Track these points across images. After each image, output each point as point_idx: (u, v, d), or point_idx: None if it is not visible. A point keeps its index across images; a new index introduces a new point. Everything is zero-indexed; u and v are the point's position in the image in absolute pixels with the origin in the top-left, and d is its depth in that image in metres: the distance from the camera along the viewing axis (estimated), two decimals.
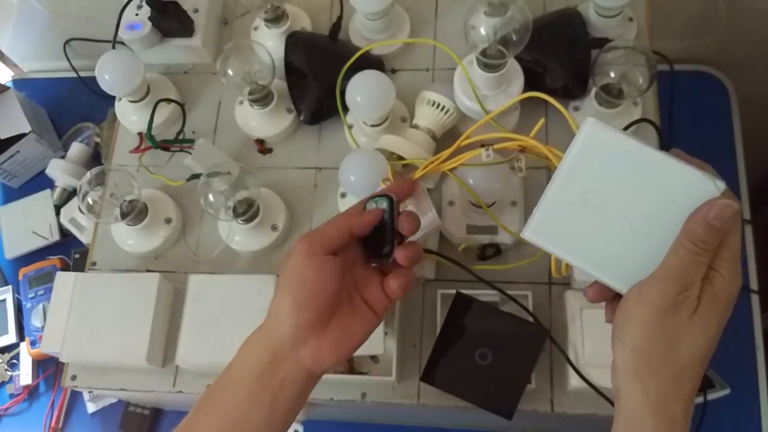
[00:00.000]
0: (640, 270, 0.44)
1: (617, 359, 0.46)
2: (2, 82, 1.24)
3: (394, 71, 0.87)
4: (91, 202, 0.78)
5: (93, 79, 0.85)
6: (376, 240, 0.56)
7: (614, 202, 0.45)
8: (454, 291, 0.70)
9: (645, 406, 0.44)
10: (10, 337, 1.11)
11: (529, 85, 0.77)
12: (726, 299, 0.43)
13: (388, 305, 0.56)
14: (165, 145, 0.84)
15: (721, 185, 0.43)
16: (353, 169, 0.71)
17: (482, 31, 0.69)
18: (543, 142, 0.64)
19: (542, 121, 0.64)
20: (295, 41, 0.86)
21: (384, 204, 0.56)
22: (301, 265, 0.51)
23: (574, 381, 0.67)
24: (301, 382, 0.51)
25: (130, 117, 0.90)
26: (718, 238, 0.42)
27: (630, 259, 0.45)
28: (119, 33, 0.92)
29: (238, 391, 0.50)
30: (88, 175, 0.78)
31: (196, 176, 0.81)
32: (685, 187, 0.43)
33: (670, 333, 0.43)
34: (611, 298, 0.48)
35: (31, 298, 1.12)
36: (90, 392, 1.06)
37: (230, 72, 0.79)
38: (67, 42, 1.18)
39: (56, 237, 1.16)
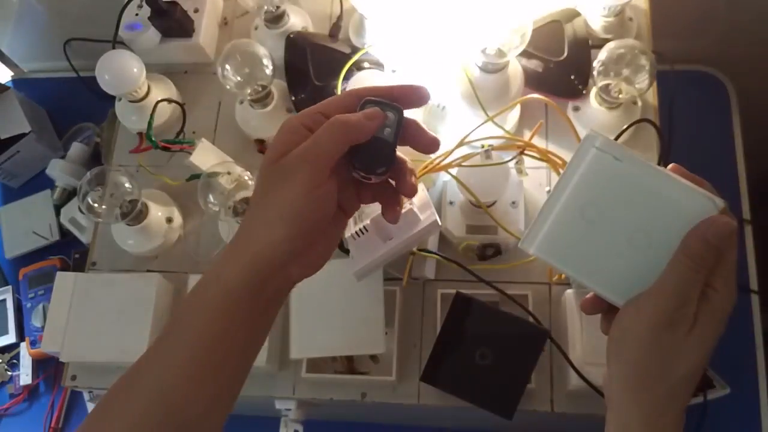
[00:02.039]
0: (637, 284, 0.45)
1: (612, 371, 0.46)
2: (2, 82, 1.23)
3: (394, 71, 0.87)
4: (91, 202, 0.78)
5: (93, 79, 0.85)
6: (369, 153, 0.47)
7: (613, 216, 0.46)
8: (454, 291, 0.70)
9: (637, 418, 0.45)
10: (10, 337, 1.11)
11: (529, 85, 0.77)
12: (722, 316, 0.44)
13: (357, 208, 0.53)
14: (165, 145, 0.84)
15: (720, 203, 0.43)
16: None
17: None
18: (542, 142, 0.64)
19: (540, 123, 0.64)
20: (295, 41, 0.86)
21: (392, 116, 0.47)
22: (303, 201, 0.46)
23: (574, 381, 0.67)
24: (286, 294, 0.50)
25: (130, 117, 0.90)
26: (715, 255, 0.43)
27: (627, 273, 0.45)
28: (119, 33, 0.92)
29: (215, 317, 0.46)
30: (88, 175, 0.78)
31: (196, 176, 0.81)
32: (684, 204, 0.44)
33: (666, 350, 0.43)
34: (606, 310, 0.48)
35: (31, 298, 1.12)
36: (90, 392, 1.06)
37: (230, 72, 0.79)
38: (67, 42, 1.18)
39: (56, 237, 1.16)
